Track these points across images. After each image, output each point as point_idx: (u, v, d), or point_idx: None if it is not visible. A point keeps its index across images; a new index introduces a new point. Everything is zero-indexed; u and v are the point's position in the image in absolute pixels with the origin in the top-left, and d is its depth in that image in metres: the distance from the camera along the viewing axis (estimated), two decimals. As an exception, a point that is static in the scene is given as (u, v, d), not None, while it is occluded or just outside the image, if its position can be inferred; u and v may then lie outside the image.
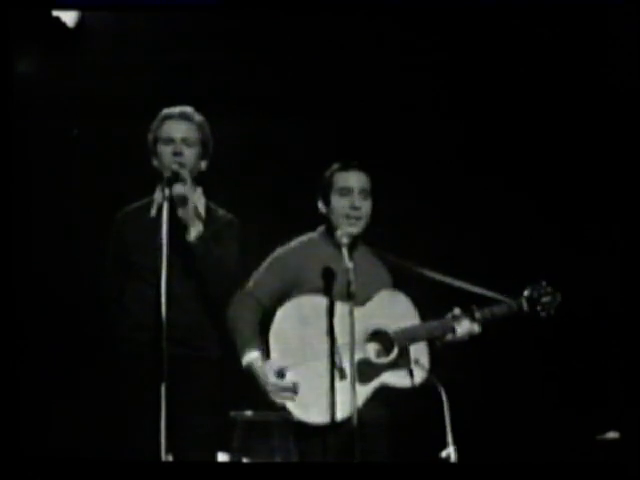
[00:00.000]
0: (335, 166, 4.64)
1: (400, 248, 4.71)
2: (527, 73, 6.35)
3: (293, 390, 4.29)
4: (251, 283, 4.48)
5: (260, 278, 4.49)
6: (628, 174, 5.82)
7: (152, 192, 4.62)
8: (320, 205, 4.60)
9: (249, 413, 5.21)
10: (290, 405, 4.32)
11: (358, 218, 4.52)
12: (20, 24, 5.58)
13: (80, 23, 6.02)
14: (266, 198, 6.03)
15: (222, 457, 5.18)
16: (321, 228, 4.64)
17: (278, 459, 5.28)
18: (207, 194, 4.67)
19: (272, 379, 4.30)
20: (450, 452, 4.30)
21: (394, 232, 5.40)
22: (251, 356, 4.32)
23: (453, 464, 4.38)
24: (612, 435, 5.42)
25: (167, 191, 4.28)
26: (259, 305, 4.46)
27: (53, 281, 6.13)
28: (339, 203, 4.53)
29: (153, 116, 4.73)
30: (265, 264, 4.55)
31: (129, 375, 4.44)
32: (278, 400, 4.30)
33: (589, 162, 6.31)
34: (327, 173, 4.63)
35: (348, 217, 4.51)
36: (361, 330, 4.35)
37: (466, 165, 6.35)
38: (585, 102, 6.23)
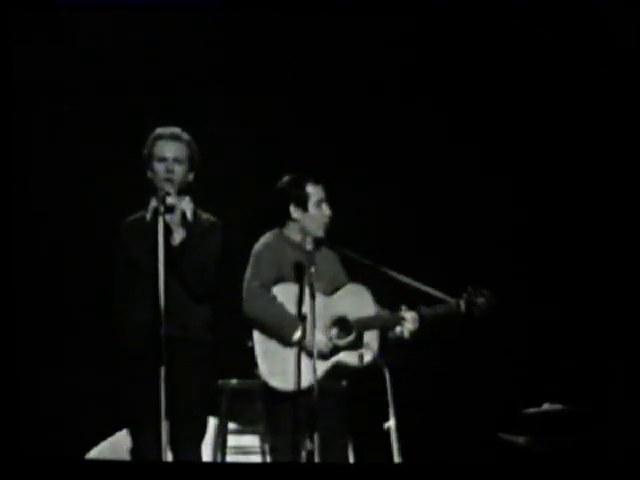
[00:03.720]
0: (301, 177, 5.34)
1: (362, 248, 5.38)
2: (526, 75, 6.55)
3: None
4: (256, 280, 5.20)
5: (257, 272, 5.22)
6: (621, 176, 6.32)
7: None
8: (294, 210, 5.31)
9: (234, 382, 5.73)
10: (264, 374, 5.15)
11: (327, 223, 5.32)
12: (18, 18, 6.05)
13: (79, 20, 6.32)
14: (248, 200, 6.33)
15: (212, 421, 5.66)
16: (275, 231, 5.36)
17: (261, 423, 5.78)
18: (195, 201, 5.30)
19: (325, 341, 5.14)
20: (391, 424, 5.10)
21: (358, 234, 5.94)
22: (299, 332, 5.03)
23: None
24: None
25: (161, 207, 5.02)
26: (270, 291, 5.21)
27: (59, 274, 6.47)
28: (318, 212, 5.30)
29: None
30: (252, 261, 5.27)
31: (132, 353, 5.15)
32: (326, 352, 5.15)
33: (573, 163, 6.54)
34: (295, 183, 5.33)
35: (325, 224, 5.30)
36: (328, 315, 5.18)
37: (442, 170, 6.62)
38: (584, 104, 6.49)
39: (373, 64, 6.61)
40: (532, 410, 5.81)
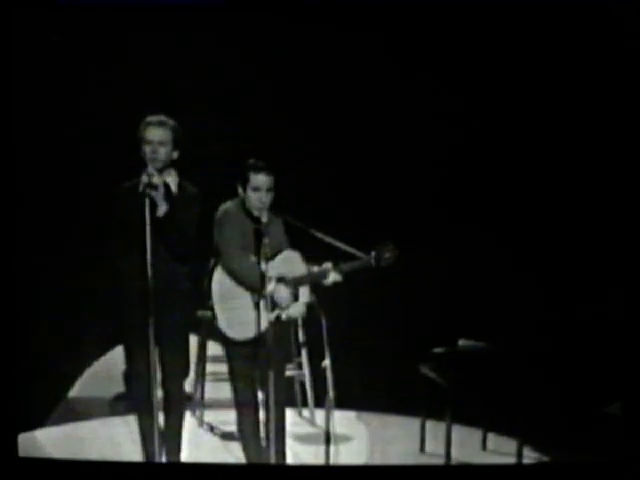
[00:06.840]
0: (249, 164, 6.34)
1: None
2: (526, 75, 6.93)
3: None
4: (234, 242, 6.29)
5: (231, 235, 6.32)
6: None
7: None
8: (240, 190, 6.38)
9: (209, 313, 6.46)
10: (223, 326, 6.34)
11: (262, 209, 6.35)
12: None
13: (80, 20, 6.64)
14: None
15: (192, 340, 6.65)
16: (237, 200, 6.40)
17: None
18: (180, 173, 6.30)
19: (286, 295, 6.32)
20: (327, 363, 6.25)
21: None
22: (271, 286, 6.25)
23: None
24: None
25: (147, 188, 6.08)
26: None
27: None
28: (254, 197, 6.35)
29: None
30: (223, 223, 6.34)
31: (127, 301, 6.23)
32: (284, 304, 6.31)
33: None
34: (241, 170, 6.33)
35: (257, 207, 6.35)
36: (271, 276, 6.31)
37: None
38: (585, 106, 6.86)
39: (372, 64, 7.11)
40: (441, 348, 6.89)
